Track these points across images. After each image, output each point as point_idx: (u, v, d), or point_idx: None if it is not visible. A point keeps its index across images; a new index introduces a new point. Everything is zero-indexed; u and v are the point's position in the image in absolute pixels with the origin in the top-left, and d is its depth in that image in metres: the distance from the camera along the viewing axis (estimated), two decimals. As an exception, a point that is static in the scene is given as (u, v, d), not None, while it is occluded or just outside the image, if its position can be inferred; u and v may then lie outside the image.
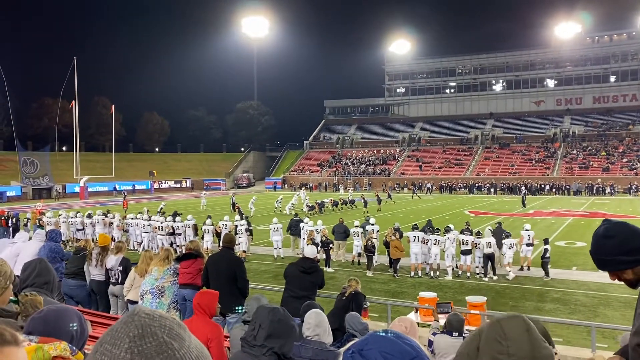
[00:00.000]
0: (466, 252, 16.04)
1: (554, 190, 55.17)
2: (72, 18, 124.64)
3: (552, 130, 71.90)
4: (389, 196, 45.91)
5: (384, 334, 1.15)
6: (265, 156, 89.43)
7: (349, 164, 74.64)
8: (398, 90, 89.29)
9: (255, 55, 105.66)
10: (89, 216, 23.52)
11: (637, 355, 2.31)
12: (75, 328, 2.42)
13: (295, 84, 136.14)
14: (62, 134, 68.06)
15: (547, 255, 15.75)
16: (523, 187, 48.09)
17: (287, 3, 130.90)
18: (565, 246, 21.32)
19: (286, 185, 71.67)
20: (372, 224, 18.84)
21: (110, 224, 22.53)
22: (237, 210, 31.92)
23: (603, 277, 14.93)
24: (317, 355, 3.48)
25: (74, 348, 2.22)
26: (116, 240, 17.59)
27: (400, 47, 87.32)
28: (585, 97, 76.38)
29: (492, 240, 15.82)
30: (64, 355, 2.12)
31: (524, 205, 40.13)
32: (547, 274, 15.65)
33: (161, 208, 30.98)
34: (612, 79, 75.34)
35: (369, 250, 16.72)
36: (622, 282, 2.47)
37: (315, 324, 3.74)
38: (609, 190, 52.10)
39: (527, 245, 16.63)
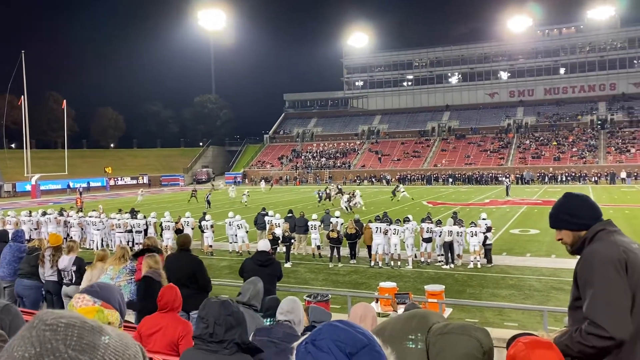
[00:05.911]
0: (427, 240, 16.41)
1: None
2: (20, 10, 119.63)
3: (506, 121, 73.84)
4: (328, 196, 37.57)
5: (336, 324, 1.15)
6: (224, 151, 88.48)
7: (310, 157, 74.72)
8: (357, 83, 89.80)
9: (212, 48, 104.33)
10: (44, 214, 22.78)
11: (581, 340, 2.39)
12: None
13: (254, 78, 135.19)
14: (11, 131, 65.38)
15: (488, 242, 16.22)
16: (504, 178, 48.75)
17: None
18: (520, 234, 21.99)
19: (247, 180, 71.15)
20: (337, 217, 18.83)
21: (65, 222, 21.85)
22: (191, 196, 34.54)
23: (555, 262, 15.56)
24: (286, 337, 3.59)
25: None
26: (72, 239, 17.18)
27: (358, 40, 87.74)
28: (537, 88, 78.72)
29: (453, 228, 16.18)
30: (115, 325, 2.14)
31: (507, 194, 40.42)
32: (489, 260, 16.12)
33: (247, 192, 37.92)
34: (562, 71, 77.87)
35: (338, 241, 16.89)
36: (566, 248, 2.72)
37: (287, 310, 3.87)
38: (561, 179, 54.08)
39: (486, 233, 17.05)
